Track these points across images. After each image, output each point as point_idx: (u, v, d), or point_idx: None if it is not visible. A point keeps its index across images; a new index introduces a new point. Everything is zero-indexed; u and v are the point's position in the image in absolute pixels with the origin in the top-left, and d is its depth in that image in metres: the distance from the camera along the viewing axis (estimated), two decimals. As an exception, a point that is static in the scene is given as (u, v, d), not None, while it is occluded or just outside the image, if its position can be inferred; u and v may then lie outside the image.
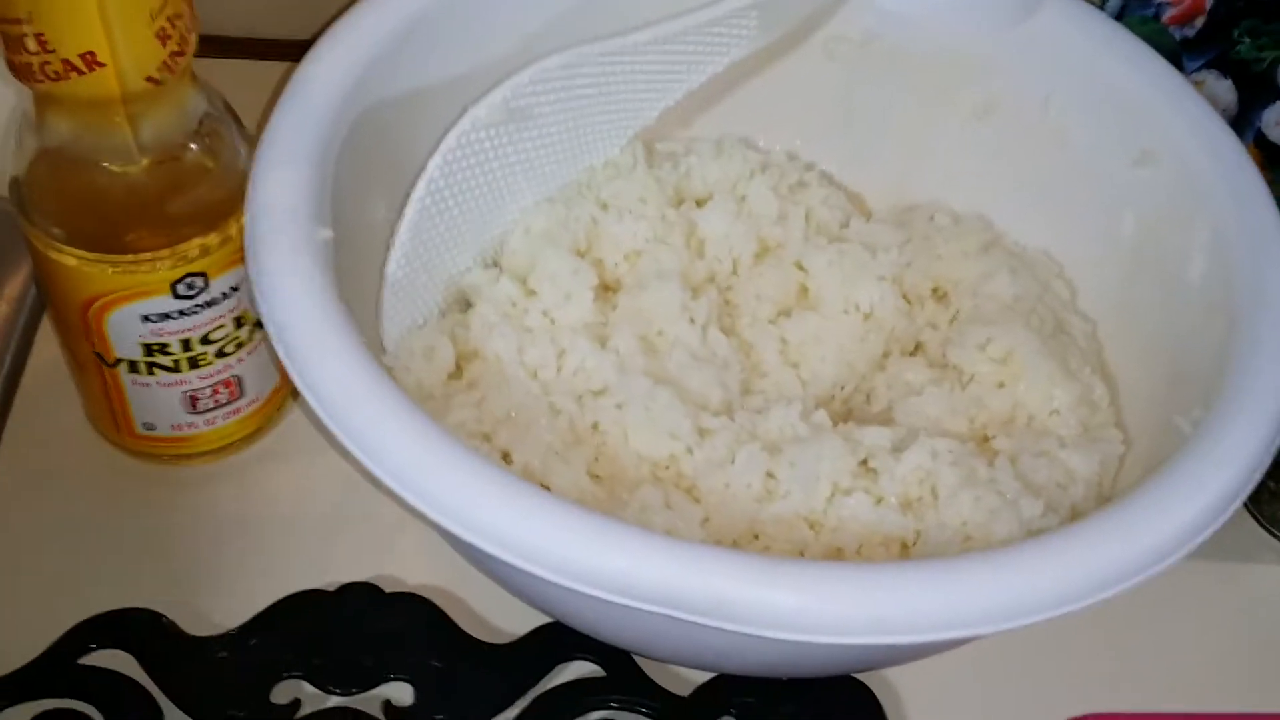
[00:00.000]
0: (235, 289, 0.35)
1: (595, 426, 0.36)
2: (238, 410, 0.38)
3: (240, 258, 0.34)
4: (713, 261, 0.40)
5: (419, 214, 0.35)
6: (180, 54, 0.31)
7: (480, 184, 0.37)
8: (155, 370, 0.36)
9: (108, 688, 0.33)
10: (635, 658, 0.35)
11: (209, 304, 0.35)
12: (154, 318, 0.35)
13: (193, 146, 0.33)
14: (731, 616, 0.27)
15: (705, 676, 0.35)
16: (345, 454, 0.29)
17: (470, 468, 0.29)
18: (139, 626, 0.34)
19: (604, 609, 0.30)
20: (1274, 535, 0.40)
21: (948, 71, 0.42)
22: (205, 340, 0.36)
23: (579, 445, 0.35)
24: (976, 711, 0.36)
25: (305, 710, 0.34)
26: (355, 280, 0.34)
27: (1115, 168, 0.39)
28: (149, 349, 0.35)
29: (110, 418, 0.38)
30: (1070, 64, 0.40)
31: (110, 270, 0.33)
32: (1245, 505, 0.41)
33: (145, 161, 0.32)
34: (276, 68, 0.39)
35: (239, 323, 0.36)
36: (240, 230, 0.33)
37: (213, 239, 0.34)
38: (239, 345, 0.36)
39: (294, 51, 0.37)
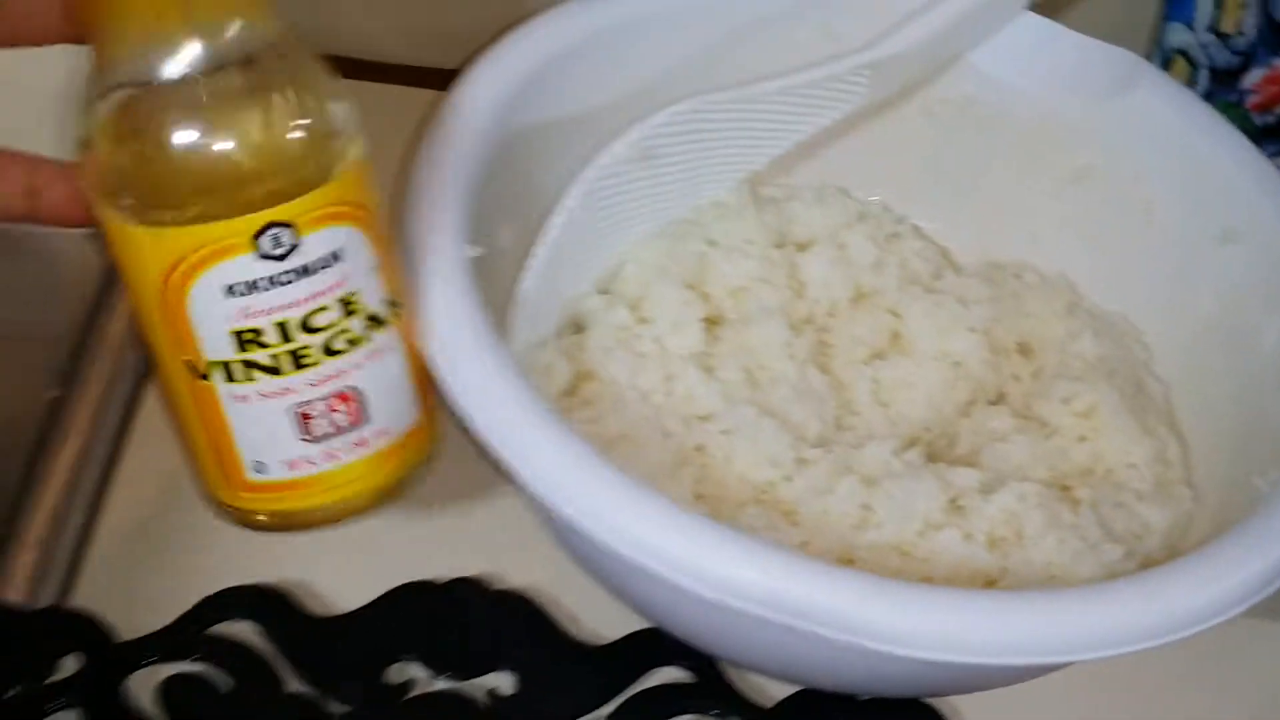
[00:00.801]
0: (336, 257, 0.30)
1: (701, 449, 0.38)
2: (364, 442, 0.32)
3: (337, 213, 0.30)
4: (812, 303, 0.43)
5: (555, 239, 0.38)
6: None
7: (605, 215, 0.40)
8: (253, 373, 0.31)
9: (233, 655, 0.36)
10: (724, 668, 0.37)
11: (303, 271, 0.30)
12: (240, 289, 0.30)
13: (268, 81, 0.30)
14: (849, 628, 0.29)
15: (788, 691, 0.37)
16: (490, 454, 0.32)
17: (628, 487, 0.31)
18: (266, 601, 0.37)
19: (714, 616, 0.32)
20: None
21: (1042, 138, 0.44)
22: (307, 326, 0.31)
23: (686, 466, 0.38)
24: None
25: (415, 692, 0.36)
26: (489, 295, 0.36)
27: (1199, 243, 0.41)
28: (241, 340, 0.30)
29: (216, 463, 0.33)
30: (1161, 140, 0.42)
31: (183, 227, 0.29)
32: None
33: (210, 97, 0.29)
34: (420, 94, 0.42)
35: (348, 308, 0.31)
36: (334, 183, 0.30)
37: (296, 184, 0.30)
38: (351, 342, 0.31)
39: (437, 79, 0.40)
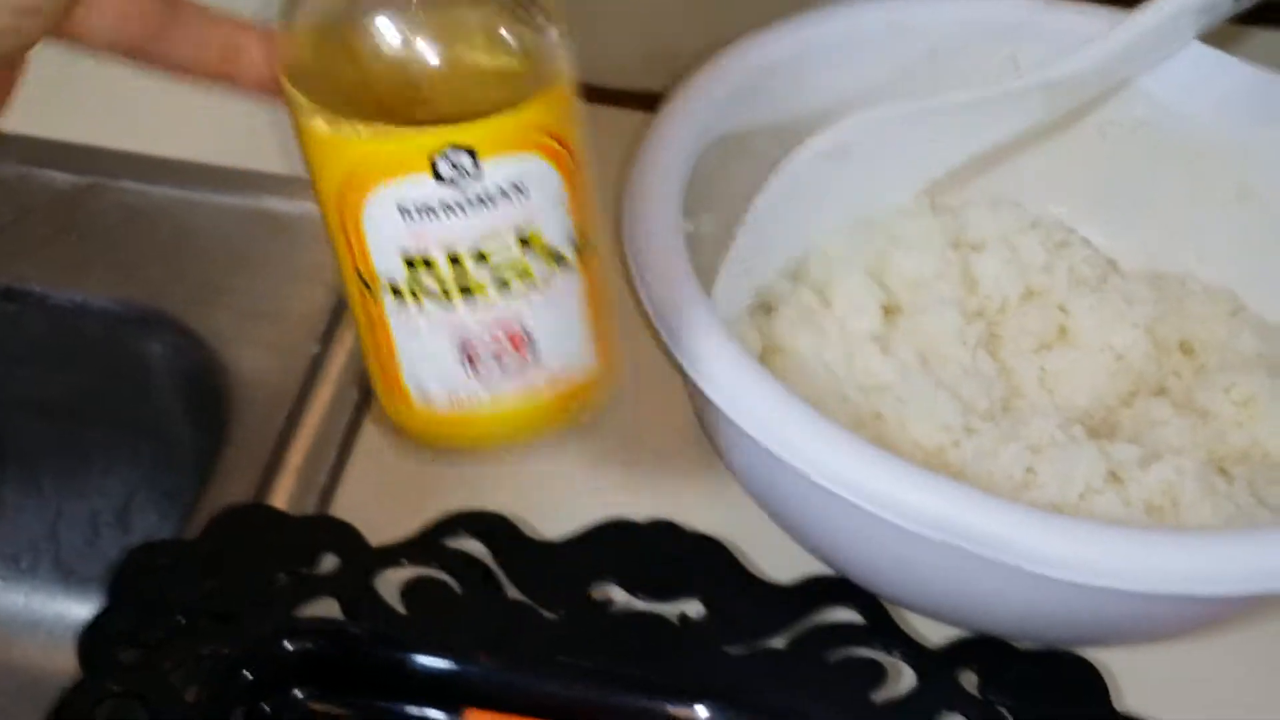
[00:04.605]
0: (519, 189, 0.29)
1: (877, 415, 0.42)
2: (528, 381, 0.32)
3: (524, 141, 0.29)
4: (983, 298, 0.47)
5: (755, 223, 0.43)
6: None
7: (798, 207, 0.45)
8: (420, 296, 0.30)
9: (465, 565, 0.41)
10: (893, 612, 0.41)
11: (480, 200, 0.28)
12: (414, 212, 0.28)
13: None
14: (1023, 555, 0.33)
15: (953, 635, 0.41)
16: (703, 400, 0.37)
17: (813, 417, 0.36)
18: (492, 524, 0.42)
19: (893, 551, 0.36)
20: None
21: (1208, 160, 0.47)
22: (478, 257, 0.29)
23: (863, 429, 0.42)
24: (1183, 702, 0.40)
25: (616, 609, 0.41)
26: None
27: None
28: (410, 263, 0.29)
29: (384, 380, 0.33)
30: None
31: (362, 135, 0.28)
32: None
33: (415, 6, 0.27)
34: (631, 116, 0.47)
35: (526, 245, 0.29)
36: (529, 107, 0.29)
37: (485, 104, 0.28)
38: (525, 280, 0.30)
39: (647, 102, 0.45)
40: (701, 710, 0.39)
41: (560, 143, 0.30)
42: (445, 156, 0.28)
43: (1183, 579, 0.33)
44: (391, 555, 0.41)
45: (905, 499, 0.34)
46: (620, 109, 0.56)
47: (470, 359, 0.31)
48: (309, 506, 0.44)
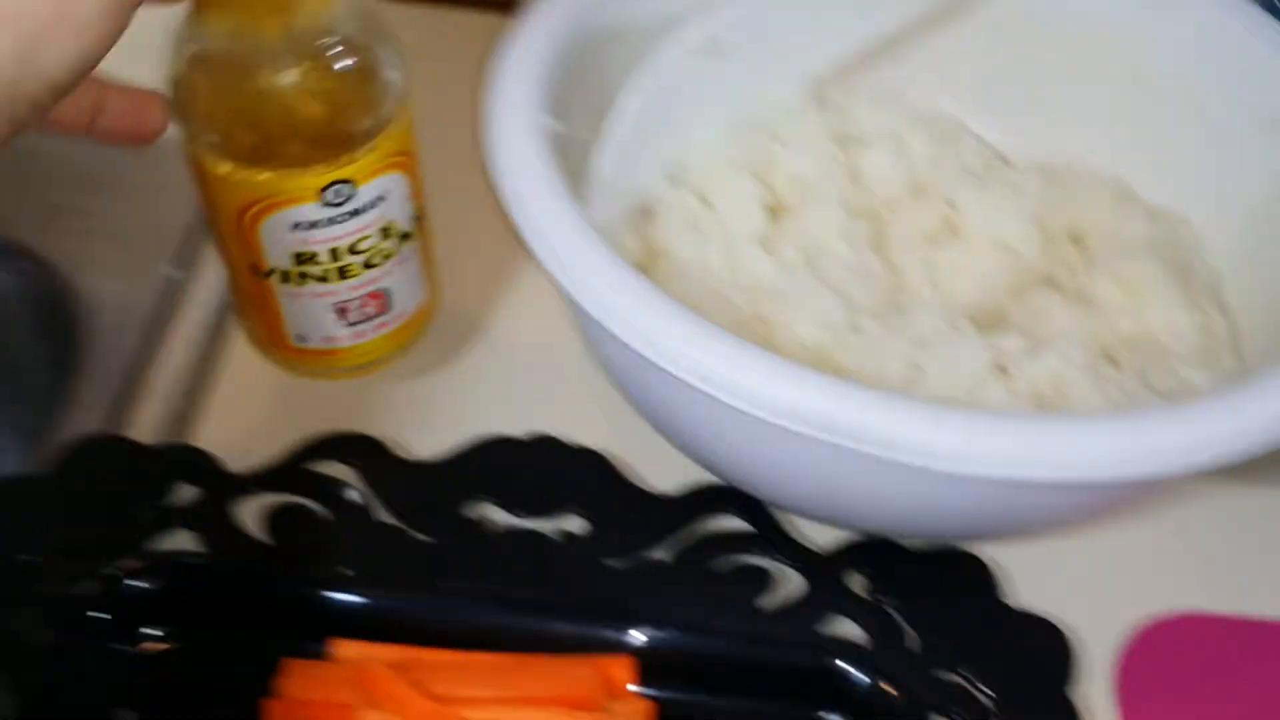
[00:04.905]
0: (382, 198, 0.37)
1: (760, 317, 0.41)
2: (385, 325, 0.40)
3: (390, 165, 0.36)
4: (870, 194, 0.45)
5: (625, 125, 0.41)
6: None
7: (675, 107, 0.43)
8: (306, 280, 0.37)
9: (331, 490, 0.39)
10: (781, 519, 0.40)
11: (356, 212, 0.36)
12: (303, 225, 0.36)
13: (343, 55, 0.34)
14: (894, 446, 0.32)
15: (843, 539, 0.40)
16: (572, 305, 0.35)
17: (690, 321, 0.34)
18: (360, 446, 0.40)
19: (773, 454, 0.35)
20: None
21: (1096, 42, 0.46)
22: (353, 250, 0.37)
23: (746, 331, 0.40)
24: (1077, 595, 0.39)
25: (493, 528, 0.39)
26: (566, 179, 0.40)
27: (1246, 132, 0.43)
28: (299, 258, 0.37)
29: (265, 329, 0.40)
30: (1211, 37, 0.44)
31: (261, 177, 0.35)
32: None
33: (295, 68, 0.34)
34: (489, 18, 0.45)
35: (385, 233, 0.37)
36: (391, 138, 0.36)
37: (362, 146, 0.35)
38: (386, 257, 0.38)
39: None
40: (581, 626, 0.37)
41: (409, 156, 0.38)
42: (330, 188, 0.36)
43: (1061, 465, 0.32)
44: (252, 483, 0.39)
45: (781, 397, 0.32)
46: (479, 11, 0.53)
47: (343, 315, 0.39)
48: (167, 437, 0.41)
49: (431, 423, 0.42)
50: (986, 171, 0.46)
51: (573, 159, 0.41)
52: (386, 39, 0.36)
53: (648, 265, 0.42)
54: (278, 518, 0.39)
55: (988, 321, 0.43)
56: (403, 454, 0.41)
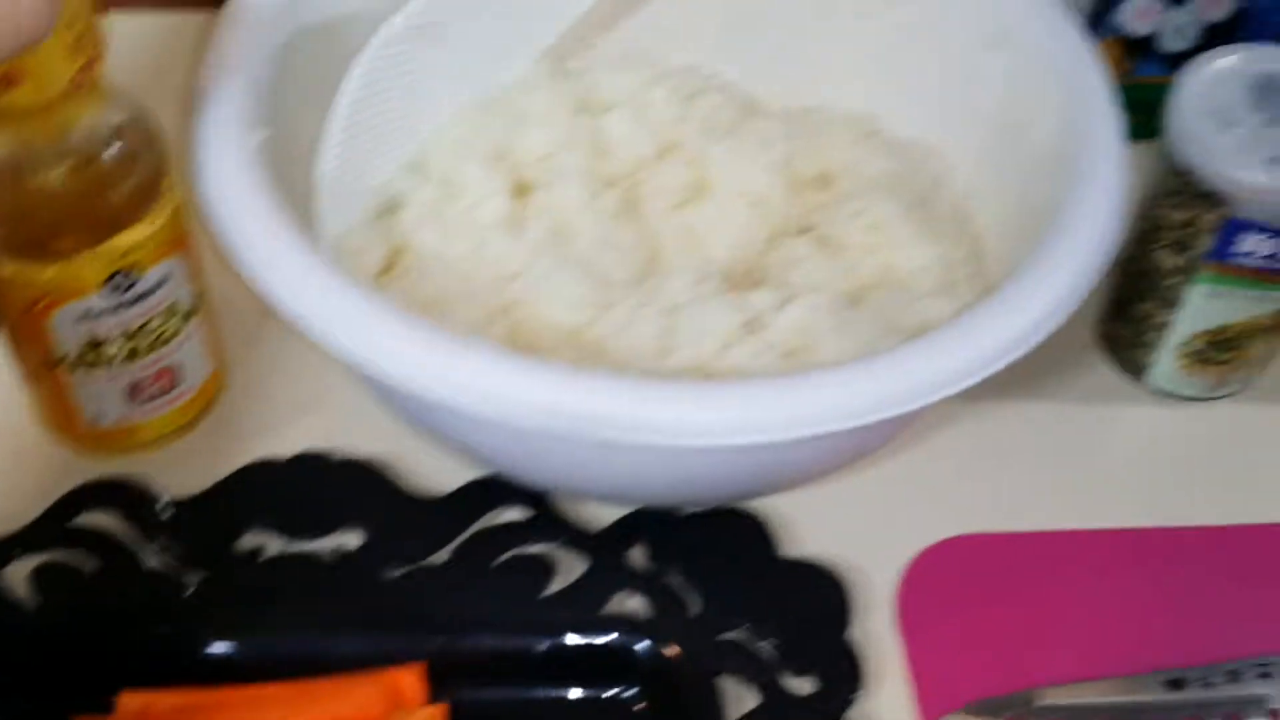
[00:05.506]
0: (164, 281, 0.37)
1: (513, 304, 0.40)
2: (177, 399, 0.41)
3: (168, 249, 0.37)
4: (617, 161, 0.45)
5: (345, 123, 0.40)
6: (91, 66, 0.33)
7: (399, 97, 0.42)
8: (96, 365, 0.38)
9: (95, 541, 0.38)
10: (557, 503, 0.40)
11: (141, 297, 0.37)
12: (90, 315, 0.37)
13: (111, 149, 0.35)
14: (614, 425, 0.32)
15: (618, 515, 0.40)
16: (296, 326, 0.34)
17: (399, 321, 0.33)
18: (119, 491, 0.39)
19: (521, 443, 0.35)
20: (1133, 379, 0.45)
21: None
22: (139, 331, 0.38)
23: (497, 322, 0.40)
24: (854, 535, 0.40)
25: (266, 556, 0.38)
26: (290, 187, 0.38)
27: (974, 52, 0.43)
28: (89, 346, 0.38)
29: (58, 414, 0.40)
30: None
31: (45, 275, 0.36)
32: (1106, 354, 0.46)
33: (66, 167, 0.35)
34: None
35: (169, 314, 0.38)
36: (161, 225, 0.36)
37: (139, 234, 0.36)
38: (172, 336, 0.39)
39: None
40: (367, 642, 0.37)
41: (185, 238, 0.38)
42: (113, 278, 0.36)
43: (792, 423, 0.32)
44: (10, 546, 0.38)
45: (505, 392, 0.32)
46: (190, 12, 0.50)
47: (134, 394, 0.40)
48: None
49: (194, 460, 0.41)
50: (734, 124, 0.46)
51: (305, 163, 0.40)
52: (150, 128, 0.37)
53: (394, 263, 0.42)
54: (40, 577, 0.38)
55: (746, 278, 0.43)
56: (167, 494, 0.40)
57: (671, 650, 0.37)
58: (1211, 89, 0.40)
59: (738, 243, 0.43)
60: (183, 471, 0.41)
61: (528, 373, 0.33)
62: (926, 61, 0.45)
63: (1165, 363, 0.43)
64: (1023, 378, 0.44)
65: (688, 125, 0.45)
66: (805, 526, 0.41)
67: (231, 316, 0.42)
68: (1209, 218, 0.40)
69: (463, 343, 0.33)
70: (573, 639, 0.37)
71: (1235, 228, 0.39)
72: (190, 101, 0.38)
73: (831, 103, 0.47)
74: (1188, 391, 0.44)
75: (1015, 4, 0.42)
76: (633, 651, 0.37)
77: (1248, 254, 0.40)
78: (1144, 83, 0.49)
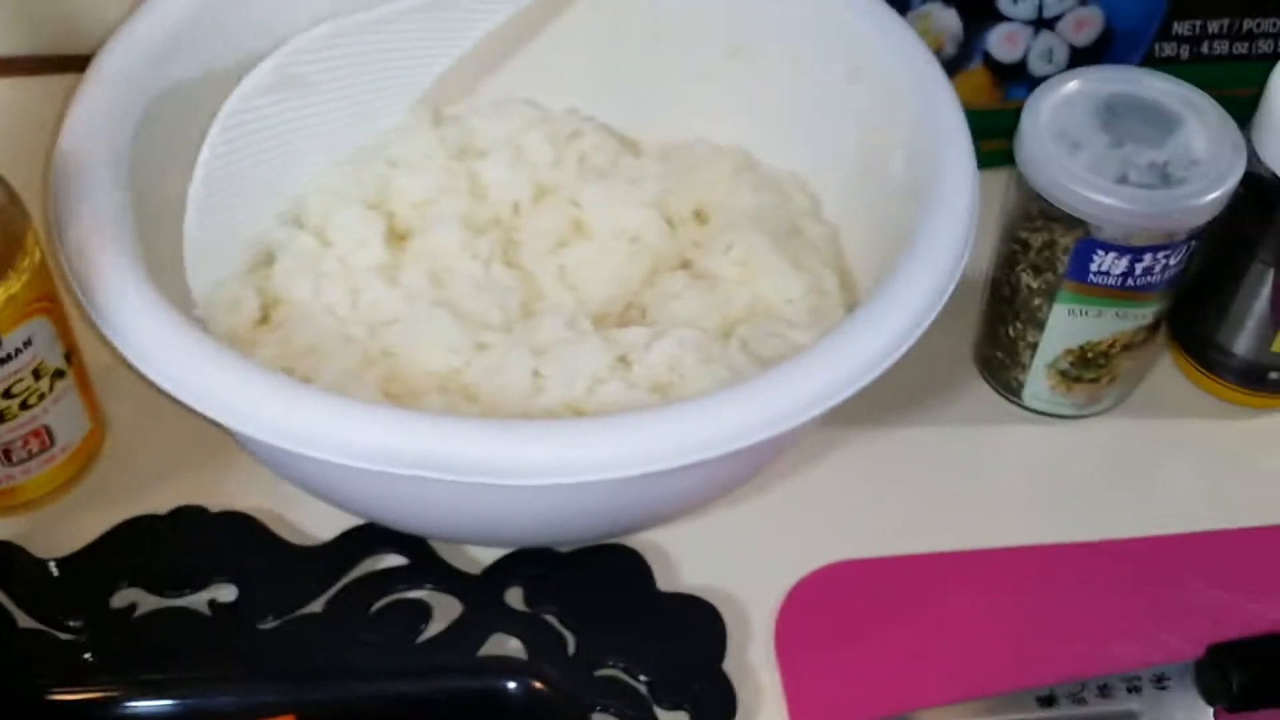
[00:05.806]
0: (28, 343, 0.37)
1: (388, 351, 0.41)
2: (52, 459, 0.40)
3: (31, 310, 0.37)
4: (495, 205, 0.45)
5: (207, 177, 0.40)
6: None
7: (268, 148, 0.42)
8: None
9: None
10: (436, 548, 0.40)
11: (4, 360, 0.37)
12: None
13: None
14: (454, 469, 0.32)
15: (497, 556, 0.40)
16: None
17: (243, 370, 0.34)
18: (-10, 554, 0.39)
19: (384, 489, 0.35)
20: (1010, 400, 0.46)
21: (699, 17, 0.47)
22: (7, 395, 0.38)
23: (372, 368, 0.40)
24: (733, 566, 0.41)
25: (140, 612, 0.38)
26: (161, 244, 0.39)
27: (834, 86, 0.44)
28: None
29: None
30: (798, 7, 0.45)
31: None
32: (983, 376, 0.46)
33: None
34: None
35: (37, 375, 0.38)
36: (22, 286, 0.36)
37: None
38: (41, 396, 0.39)
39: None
40: (241, 695, 0.37)
41: (49, 297, 0.38)
42: None
43: (619, 463, 0.33)
44: (-123, 615, 0.38)
45: (350, 439, 0.33)
46: (53, 76, 0.50)
47: (7, 457, 0.39)
48: None
49: (74, 518, 0.41)
50: (609, 165, 0.47)
51: (176, 218, 0.40)
52: (9, 190, 0.36)
53: (268, 315, 0.42)
54: (-92, 647, 0.37)
55: (625, 315, 0.44)
56: (39, 553, 0.39)
57: (545, 689, 0.37)
58: (1060, 112, 0.41)
59: (616, 280, 0.44)
60: (62, 529, 0.41)
61: (374, 422, 0.33)
62: (795, 95, 0.46)
63: (1037, 382, 0.44)
64: (904, 402, 0.45)
65: (564, 168, 0.46)
66: (685, 560, 0.41)
67: (109, 373, 0.42)
68: (1065, 240, 0.40)
69: (319, 396, 0.34)
70: (448, 682, 0.37)
71: (1090, 248, 0.40)
72: (52, 163, 0.38)
73: (707, 139, 0.48)
74: (1062, 410, 0.45)
75: (871, 37, 0.43)
76: (508, 691, 0.37)
77: (1104, 273, 0.40)
78: (1016, 107, 0.50)
